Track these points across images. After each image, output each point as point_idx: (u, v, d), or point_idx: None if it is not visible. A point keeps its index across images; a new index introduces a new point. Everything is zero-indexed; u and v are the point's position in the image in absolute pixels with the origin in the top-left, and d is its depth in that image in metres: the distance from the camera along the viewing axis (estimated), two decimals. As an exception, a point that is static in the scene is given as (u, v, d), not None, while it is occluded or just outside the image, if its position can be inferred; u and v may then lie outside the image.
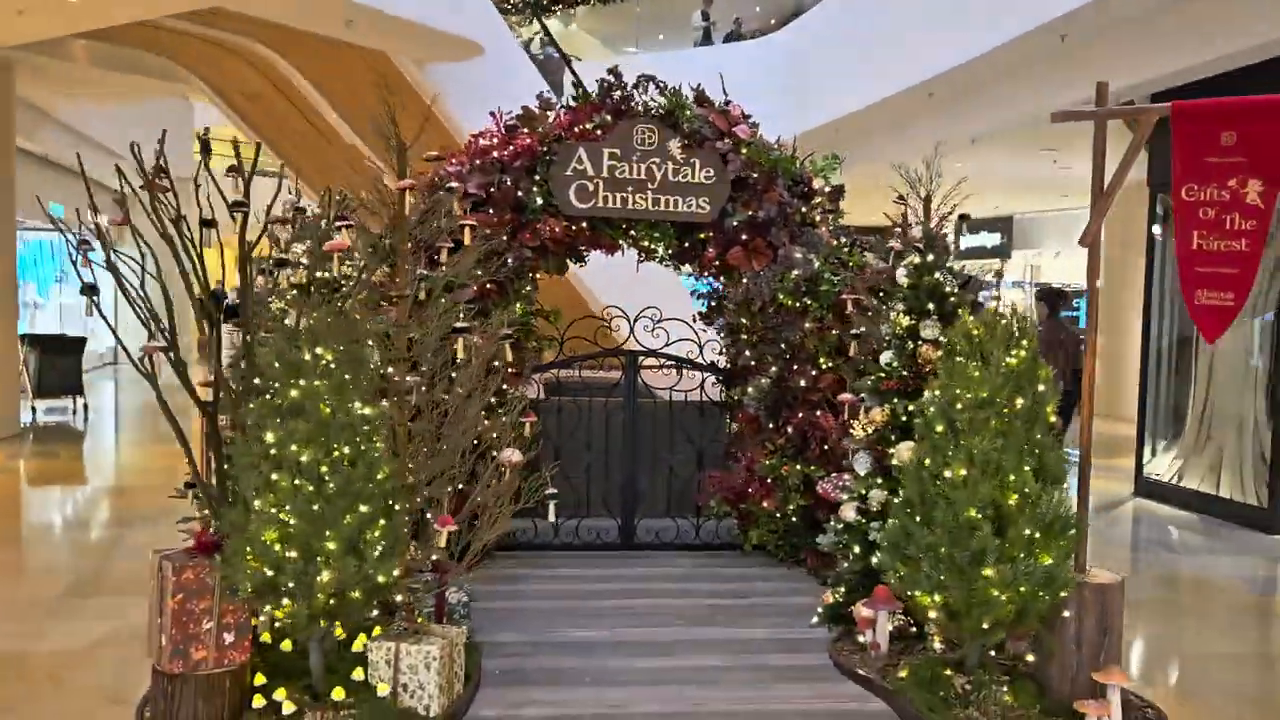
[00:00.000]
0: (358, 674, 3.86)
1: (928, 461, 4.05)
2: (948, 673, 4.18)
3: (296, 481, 3.58)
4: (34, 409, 12.86)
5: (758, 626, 5.12)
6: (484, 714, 4.06)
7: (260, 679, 3.82)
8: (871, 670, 4.50)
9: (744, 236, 5.89)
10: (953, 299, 4.87)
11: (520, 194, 5.73)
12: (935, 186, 5.71)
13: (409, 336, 4.16)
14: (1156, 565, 7.22)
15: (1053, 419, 4.03)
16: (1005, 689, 4.06)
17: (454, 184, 4.65)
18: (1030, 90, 10.04)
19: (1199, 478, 9.01)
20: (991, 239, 20.85)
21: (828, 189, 6.10)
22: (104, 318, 4.14)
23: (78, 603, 5.60)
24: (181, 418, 4.35)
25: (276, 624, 3.82)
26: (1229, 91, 8.23)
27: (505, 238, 5.51)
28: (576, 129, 5.85)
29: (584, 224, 5.95)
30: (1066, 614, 3.95)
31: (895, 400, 4.87)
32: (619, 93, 5.97)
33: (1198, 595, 6.46)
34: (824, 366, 5.88)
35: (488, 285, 5.57)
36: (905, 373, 4.89)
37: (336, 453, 3.63)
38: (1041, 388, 3.97)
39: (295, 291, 4.69)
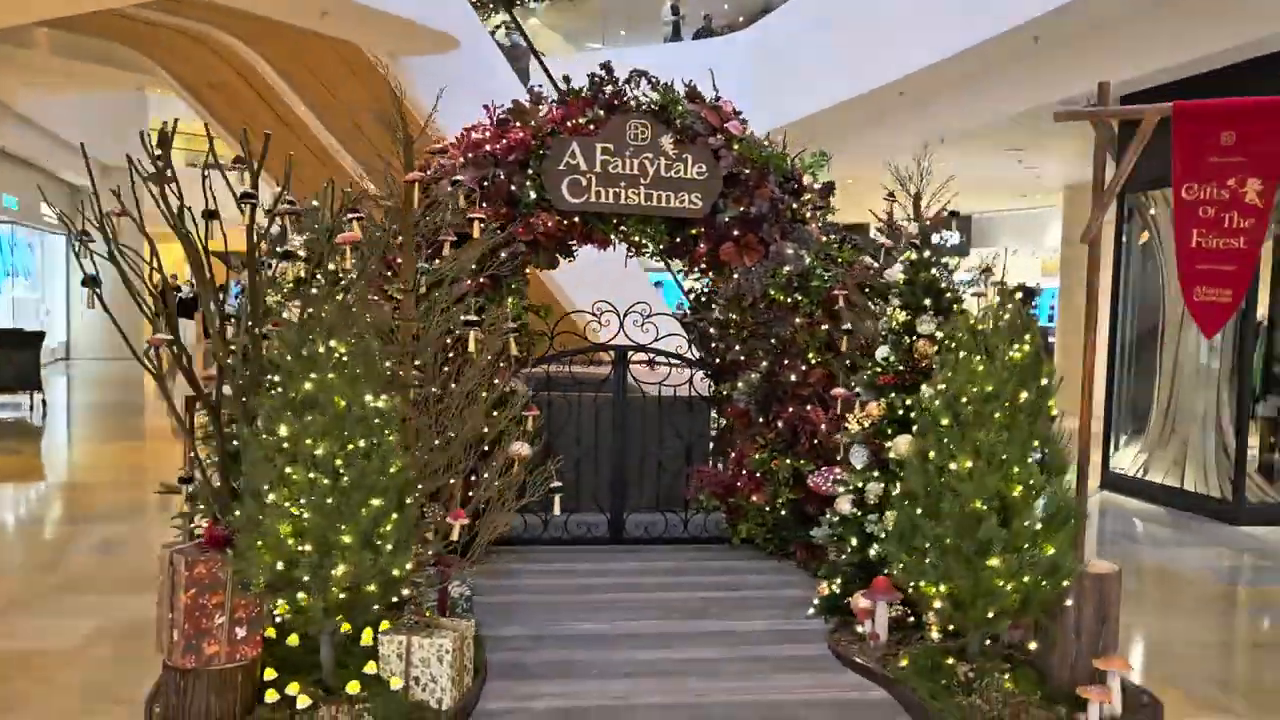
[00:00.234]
0: (370, 668, 3.84)
1: (932, 454, 4.11)
2: (949, 661, 4.26)
3: (311, 475, 3.55)
4: (-11, 404, 12.58)
5: (754, 619, 5.17)
6: (493, 707, 4.06)
7: (270, 673, 3.79)
8: (870, 660, 4.56)
9: (736, 232, 5.93)
10: (949, 295, 4.95)
11: (513, 188, 5.72)
12: (925, 184, 5.81)
13: (417, 329, 4.14)
14: (1126, 557, 7.39)
15: (1054, 412, 4.12)
16: (1006, 676, 4.14)
17: (458, 177, 4.62)
18: (1002, 90, 10.22)
19: (1164, 471, 9.24)
20: (950, 237, 21.18)
21: (817, 186, 6.16)
22: (107, 311, 4.05)
23: (58, 600, 5.49)
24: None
25: (278, 618, 3.80)
26: (1194, 94, 8.44)
27: (497, 231, 5.49)
28: (569, 123, 5.85)
29: (576, 219, 5.95)
30: (1069, 603, 4.04)
31: (893, 394, 4.94)
32: (610, 88, 5.98)
33: (1169, 586, 6.62)
34: (813, 362, 5.95)
35: (481, 280, 5.55)
36: (902, 367, 4.96)
37: (351, 446, 3.61)
38: (1044, 381, 4.06)
39: (291, 284, 4.66)
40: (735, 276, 6.01)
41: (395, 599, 4.03)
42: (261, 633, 3.78)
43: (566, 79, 6.10)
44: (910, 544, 4.12)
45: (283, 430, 3.60)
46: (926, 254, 5.01)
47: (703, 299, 6.64)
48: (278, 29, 9.69)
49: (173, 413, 4.24)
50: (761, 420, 6.16)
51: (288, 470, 3.57)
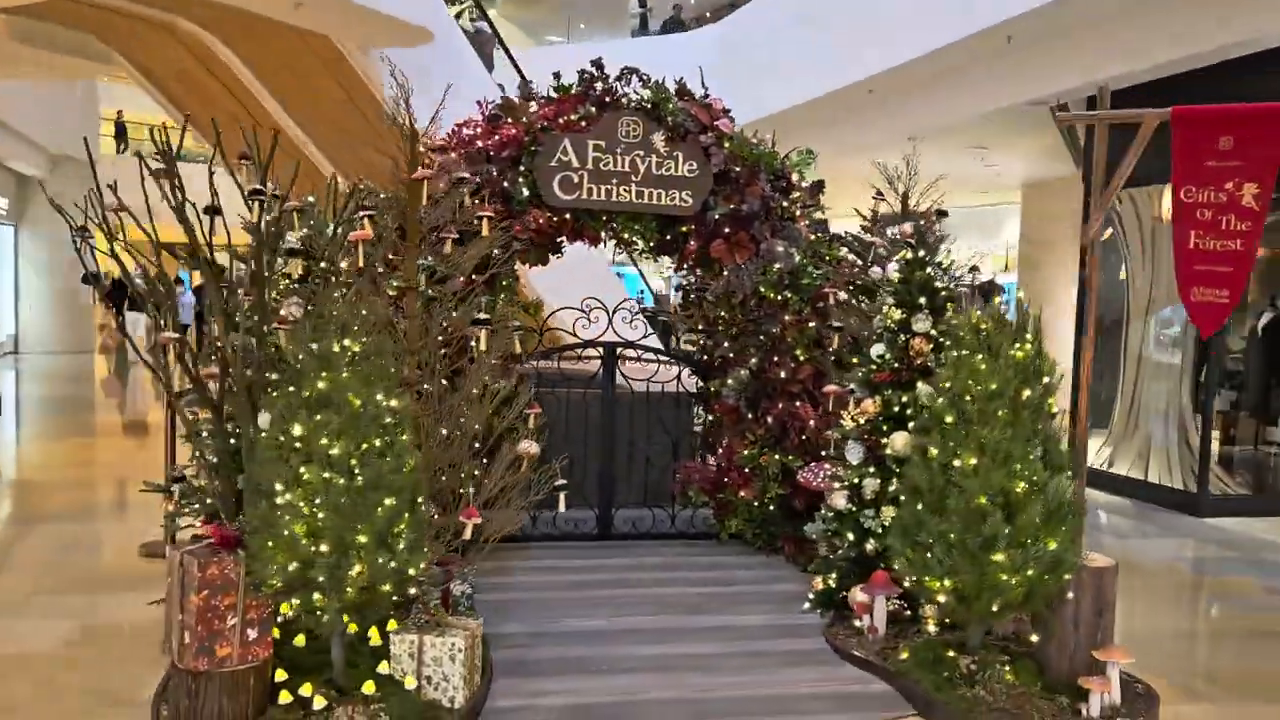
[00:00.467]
0: (383, 667, 3.82)
1: (935, 451, 4.18)
2: (950, 654, 4.34)
3: (326, 475, 3.52)
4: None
5: (750, 613, 5.21)
6: (502, 704, 4.06)
7: (280, 675, 3.75)
8: (869, 653, 4.63)
9: (727, 230, 5.96)
10: (943, 293, 5.03)
11: (506, 185, 5.69)
12: (913, 183, 5.90)
13: (424, 327, 4.11)
14: (1094, 549, 7.54)
15: (1055, 409, 4.21)
16: (1007, 668, 4.23)
17: (463, 174, 4.59)
18: (973, 89, 10.35)
19: (1128, 464, 9.47)
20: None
21: (805, 184, 6.22)
22: (113, 306, 3.97)
23: (38, 602, 5.37)
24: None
25: (280, 618, 3.77)
26: (1163, 95, 8.63)
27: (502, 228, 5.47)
28: (561, 120, 5.84)
29: (567, 215, 5.95)
30: (1070, 595, 4.13)
31: (889, 391, 5.01)
32: (601, 84, 5.97)
33: (1139, 577, 6.79)
34: (802, 359, 6.00)
35: (473, 276, 5.52)
36: (897, 365, 5.02)
37: (366, 445, 3.58)
38: (1046, 379, 4.15)
39: (290, 282, 4.60)
40: (725, 274, 6.04)
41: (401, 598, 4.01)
42: (272, 634, 3.74)
43: (557, 75, 6.08)
44: (914, 539, 4.19)
45: (296, 429, 3.56)
46: (921, 253, 5.07)
47: (692, 296, 6.66)
48: (247, 20, 9.53)
49: (180, 410, 4.13)
50: (750, 416, 6.20)
51: (301, 470, 3.53)
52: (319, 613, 3.57)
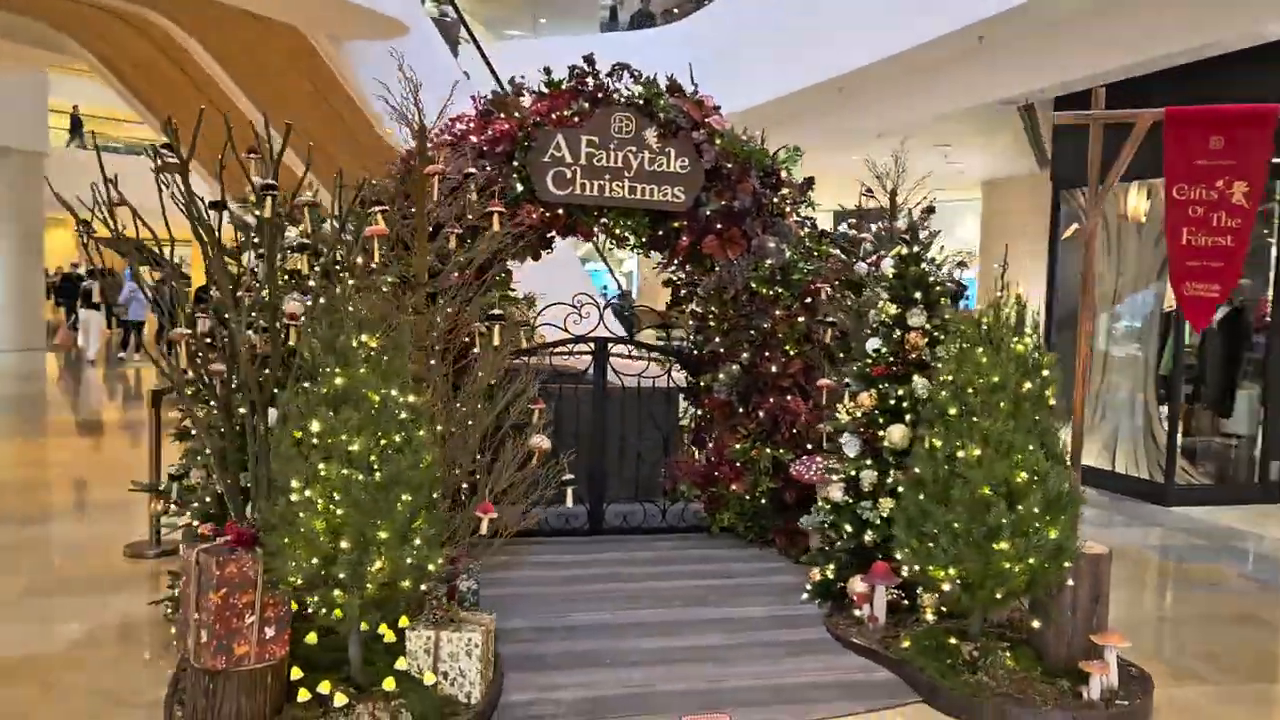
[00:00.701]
0: (401, 663, 3.82)
1: (938, 443, 4.27)
2: (952, 641, 4.44)
3: (345, 471, 3.51)
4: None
5: (750, 605, 5.28)
6: (517, 699, 4.09)
7: (296, 673, 3.74)
8: (871, 642, 4.72)
9: (719, 226, 6.02)
10: (937, 288, 5.12)
11: (500, 180, 5.69)
12: (902, 180, 6.00)
13: (437, 322, 4.11)
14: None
15: (1052, 401, 4.32)
16: (1007, 654, 4.33)
17: (470, 170, 4.59)
18: (943, 88, 10.51)
19: (1094, 455, 9.68)
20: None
21: (795, 181, 6.29)
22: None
23: (32, 605, 5.28)
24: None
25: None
26: (1129, 95, 8.85)
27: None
28: (554, 115, 5.85)
29: (560, 211, 5.96)
30: (1071, 583, 4.24)
31: (885, 385, 5.09)
32: (592, 80, 6.00)
33: (1117, 565, 6.93)
34: (792, 353, 6.08)
35: (465, 271, 5.52)
36: (892, 359, 5.11)
37: (386, 441, 3.58)
38: (1045, 372, 4.25)
39: (285, 278, 4.57)
40: (717, 270, 6.09)
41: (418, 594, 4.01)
42: (289, 632, 3.72)
43: (547, 70, 6.08)
44: (919, 529, 4.27)
45: (315, 426, 3.55)
46: (915, 249, 5.16)
47: (682, 292, 6.70)
48: (216, 12, 9.40)
49: (190, 410, 4.09)
50: (742, 411, 6.27)
51: (320, 467, 3.52)
52: (339, 609, 3.56)
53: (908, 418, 5.02)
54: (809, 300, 6.10)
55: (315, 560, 3.50)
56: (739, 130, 6.37)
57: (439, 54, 11.40)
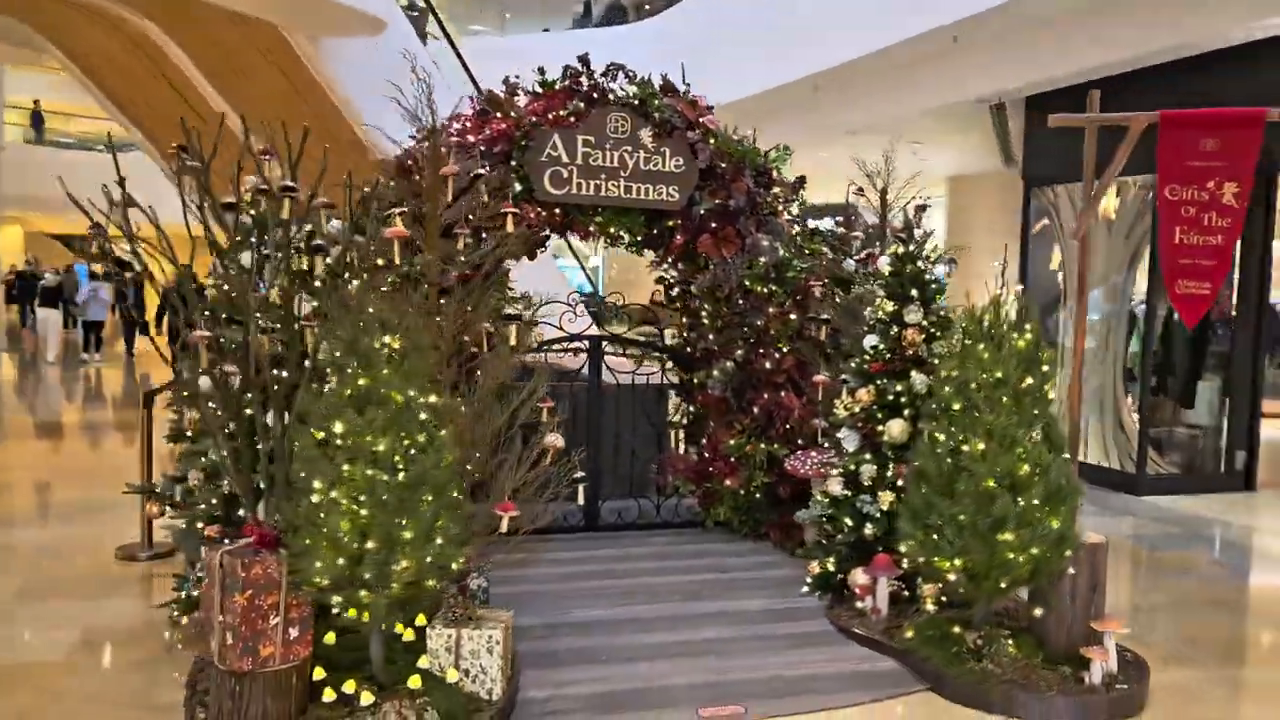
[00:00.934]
0: (424, 661, 3.85)
1: (942, 437, 4.38)
2: (955, 630, 4.55)
3: (370, 471, 3.53)
4: None
5: (751, 598, 5.36)
6: (534, 695, 4.13)
7: (319, 673, 3.75)
8: (873, 632, 4.82)
9: (713, 224, 6.09)
10: (933, 285, 5.23)
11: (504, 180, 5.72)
12: (892, 179, 6.12)
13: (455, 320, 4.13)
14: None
15: (1051, 395, 4.44)
16: (1010, 642, 4.45)
17: (480, 171, 4.61)
18: (917, 86, 10.66)
19: (1066, 447, 9.89)
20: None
21: (787, 180, 6.38)
22: (127, 301, 3.90)
23: (25, 609, 5.22)
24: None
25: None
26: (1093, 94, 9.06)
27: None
28: (551, 115, 5.89)
29: (557, 210, 6.00)
30: (1071, 571, 4.37)
31: (883, 381, 5.19)
32: (587, 80, 6.04)
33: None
34: (784, 350, 6.17)
35: (467, 271, 5.54)
36: (889, 355, 5.21)
37: (409, 441, 3.61)
38: (1045, 368, 4.37)
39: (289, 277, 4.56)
40: (711, 268, 6.16)
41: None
42: (311, 632, 3.74)
43: (541, 70, 6.11)
44: (924, 522, 4.37)
45: (338, 427, 3.57)
46: (911, 247, 5.26)
47: (675, 290, 6.76)
48: (190, 8, 9.29)
49: (202, 411, 4.07)
50: (737, 407, 6.35)
51: (345, 468, 3.54)
52: (365, 609, 3.58)
53: (906, 412, 5.13)
54: (801, 297, 6.19)
55: (341, 561, 3.52)
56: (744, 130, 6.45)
57: (418, 52, 11.35)
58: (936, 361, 5.13)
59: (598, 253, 26.80)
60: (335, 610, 3.60)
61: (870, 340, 5.29)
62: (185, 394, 5.48)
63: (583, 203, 6.00)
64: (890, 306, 5.25)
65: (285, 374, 3.91)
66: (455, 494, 3.79)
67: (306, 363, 4.06)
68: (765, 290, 6.10)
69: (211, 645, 3.64)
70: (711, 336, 6.39)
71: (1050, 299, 10.25)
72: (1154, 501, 8.75)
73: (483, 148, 5.71)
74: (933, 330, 5.21)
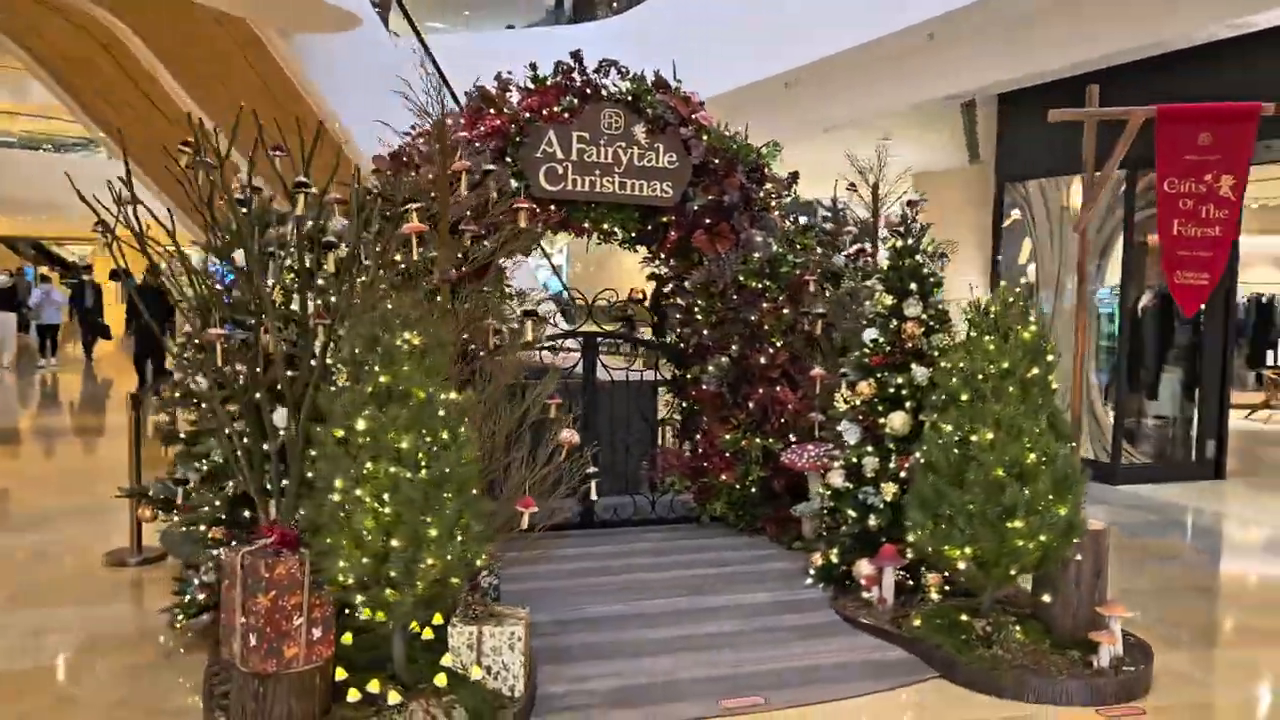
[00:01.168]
0: (447, 659, 3.83)
1: (949, 428, 4.44)
2: (964, 618, 4.62)
3: (392, 469, 3.51)
4: None
5: (755, 591, 5.37)
6: (553, 690, 4.13)
7: (341, 673, 3.72)
8: (881, 622, 4.87)
9: (708, 220, 6.11)
10: (931, 279, 5.30)
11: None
12: (882, 176, 6.18)
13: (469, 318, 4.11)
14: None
15: (1054, 385, 4.52)
16: (1017, 628, 4.53)
17: (491, 167, 4.59)
18: (891, 84, 10.76)
19: (1041, 438, 10.05)
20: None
21: (779, 176, 6.43)
22: (139, 301, 3.83)
23: (16, 616, 5.11)
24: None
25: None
26: (1065, 93, 9.23)
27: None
28: (545, 111, 5.87)
29: (552, 206, 5.99)
30: (1079, 558, 4.45)
31: (884, 374, 5.25)
32: (580, 76, 6.03)
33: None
34: (778, 345, 6.21)
35: (463, 269, 5.52)
36: (890, 348, 5.27)
37: (433, 438, 3.59)
38: (1050, 358, 4.45)
39: (291, 276, 4.51)
40: (705, 264, 6.19)
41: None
42: (333, 632, 3.70)
43: (533, 65, 6.09)
44: (934, 511, 4.43)
45: (360, 424, 3.54)
46: (910, 240, 5.32)
47: (670, 285, 6.77)
48: (157, 3, 9.12)
49: (216, 412, 4.01)
50: (732, 402, 6.37)
51: (368, 465, 3.51)
52: (390, 608, 3.56)
53: (908, 405, 5.18)
54: (794, 292, 6.23)
55: (366, 560, 3.48)
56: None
57: (383, 49, 11.25)
58: (936, 354, 5.21)
59: (561, 250, 26.72)
60: (353, 610, 3.57)
61: (870, 334, 5.34)
62: (184, 394, 5.41)
63: (578, 199, 6.00)
64: (889, 300, 5.31)
65: (297, 372, 3.85)
66: (476, 491, 3.77)
67: (313, 361, 4.02)
68: (760, 285, 6.14)
69: (233, 648, 3.59)
70: (705, 332, 6.41)
71: (1036, 288, 10.40)
72: (1130, 490, 8.93)
73: (477, 144, 5.68)
74: (931, 323, 5.27)
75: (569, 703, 4.06)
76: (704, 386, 6.40)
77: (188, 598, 4.69)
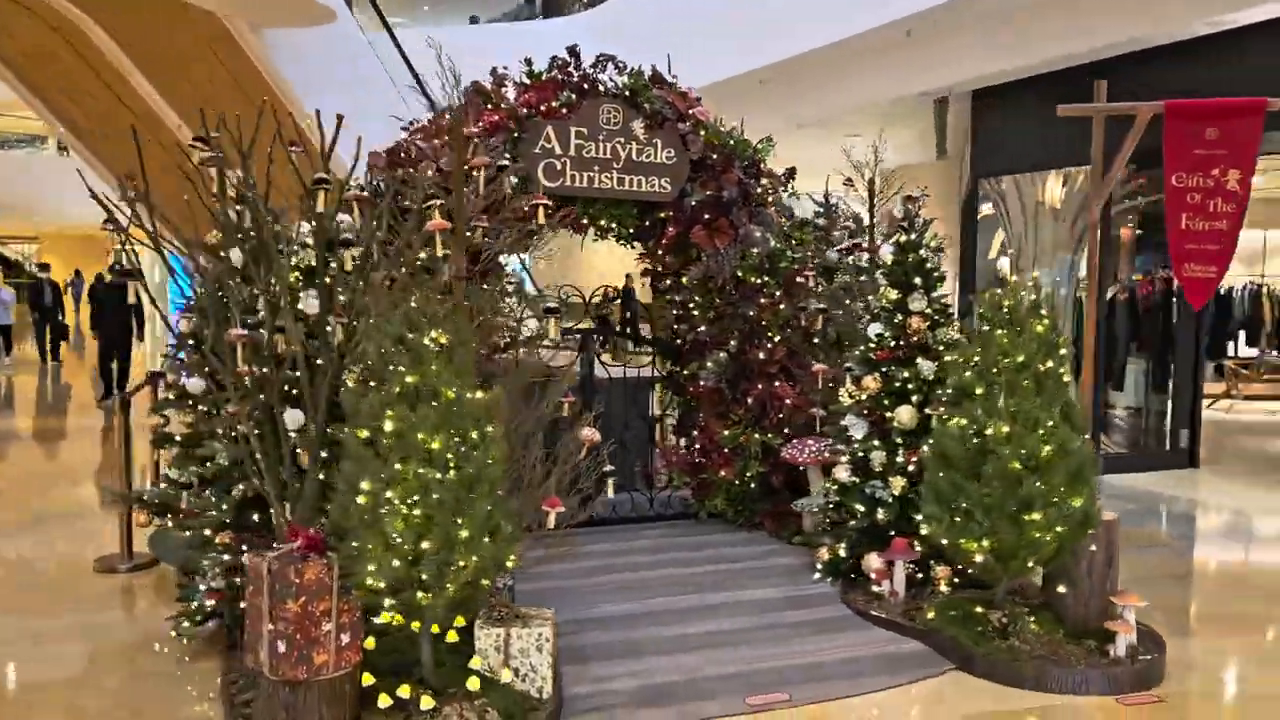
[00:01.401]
0: (476, 662, 3.77)
1: (964, 421, 4.47)
2: (978, 609, 4.65)
3: (421, 470, 3.45)
4: None
5: (762, 587, 5.36)
6: (578, 690, 4.09)
7: (367, 679, 3.65)
8: (893, 615, 4.89)
9: (706, 216, 6.09)
10: (936, 274, 5.33)
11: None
12: (877, 173, 6.21)
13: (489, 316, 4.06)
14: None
15: (1067, 378, 4.57)
16: (1031, 619, 4.57)
17: (505, 162, 4.53)
18: (867, 81, 10.82)
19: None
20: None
21: (775, 172, 6.43)
22: (153, 302, 3.73)
23: (15, 626, 4.96)
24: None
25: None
26: (1041, 89, 9.36)
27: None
28: (543, 107, 5.81)
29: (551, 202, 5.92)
30: (1093, 548, 4.50)
31: (891, 368, 5.27)
32: (576, 71, 5.98)
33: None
34: (775, 340, 6.21)
35: (475, 267, 5.45)
36: (895, 343, 5.29)
37: (463, 438, 3.53)
38: (1063, 351, 4.49)
39: (296, 275, 4.43)
40: (704, 259, 6.17)
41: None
42: (361, 638, 3.63)
43: (529, 61, 6.03)
44: (950, 504, 4.45)
45: (388, 425, 3.47)
46: (914, 236, 5.35)
47: (668, 282, 6.73)
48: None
49: (231, 415, 3.92)
50: (731, 398, 6.37)
51: (398, 467, 3.45)
52: (421, 612, 3.50)
53: (914, 399, 5.21)
54: (790, 288, 6.24)
55: (397, 563, 3.42)
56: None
57: (353, 43, 11.10)
58: (941, 348, 5.24)
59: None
60: (373, 613, 3.51)
61: (875, 328, 5.36)
62: (179, 395, 5.28)
63: (576, 195, 5.95)
64: (894, 295, 5.33)
65: (315, 373, 3.77)
66: (503, 491, 3.72)
67: (320, 361, 3.94)
68: (758, 281, 6.13)
69: (260, 655, 3.51)
70: (703, 328, 6.39)
71: (989, 283, 10.53)
72: (1108, 479, 9.05)
73: (491, 140, 5.61)
74: (936, 317, 5.30)
75: (596, 703, 4.02)
76: (702, 383, 6.38)
77: (194, 604, 4.58)
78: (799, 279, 6.20)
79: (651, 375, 6.79)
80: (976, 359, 4.49)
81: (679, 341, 6.63)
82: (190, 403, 5.30)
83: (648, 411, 6.91)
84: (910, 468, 5.13)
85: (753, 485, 6.33)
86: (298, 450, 4.07)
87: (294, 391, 4.28)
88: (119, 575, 5.80)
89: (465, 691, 3.64)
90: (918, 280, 5.31)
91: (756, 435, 6.25)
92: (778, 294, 6.21)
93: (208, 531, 4.61)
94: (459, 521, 3.46)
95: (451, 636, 3.92)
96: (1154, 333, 10.01)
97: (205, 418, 5.19)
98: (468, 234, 4.28)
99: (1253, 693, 4.44)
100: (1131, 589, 5.55)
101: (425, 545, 3.41)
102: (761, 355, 6.19)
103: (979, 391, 4.44)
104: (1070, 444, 4.36)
